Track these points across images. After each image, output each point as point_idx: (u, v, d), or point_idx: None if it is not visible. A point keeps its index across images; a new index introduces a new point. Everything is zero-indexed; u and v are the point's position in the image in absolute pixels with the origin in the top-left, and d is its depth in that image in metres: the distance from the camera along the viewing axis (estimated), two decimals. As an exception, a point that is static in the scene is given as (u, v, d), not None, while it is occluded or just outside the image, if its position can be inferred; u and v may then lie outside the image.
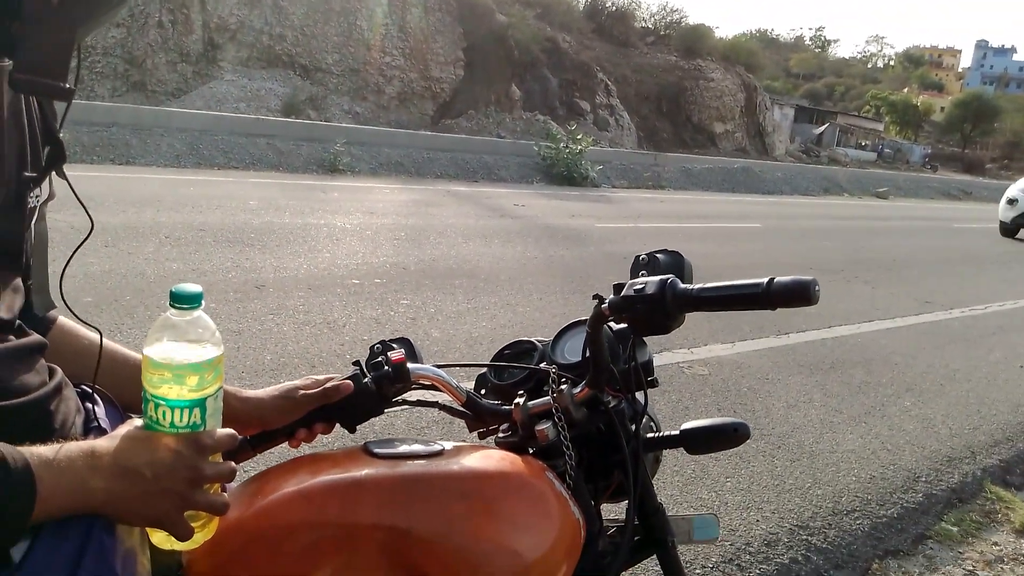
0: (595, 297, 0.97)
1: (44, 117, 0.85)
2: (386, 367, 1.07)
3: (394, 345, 1.13)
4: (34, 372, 0.80)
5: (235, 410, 0.97)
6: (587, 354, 1.04)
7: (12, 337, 0.78)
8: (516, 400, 1.07)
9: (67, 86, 0.62)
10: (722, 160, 22.04)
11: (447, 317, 4.75)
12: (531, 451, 1.08)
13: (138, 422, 0.75)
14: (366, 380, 1.06)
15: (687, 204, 14.36)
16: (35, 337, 0.83)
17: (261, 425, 1.02)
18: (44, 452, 0.68)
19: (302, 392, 1.03)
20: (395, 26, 19.17)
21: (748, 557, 2.44)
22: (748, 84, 28.92)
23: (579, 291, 5.79)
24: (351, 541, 0.85)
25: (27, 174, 0.79)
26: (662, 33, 29.49)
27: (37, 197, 0.85)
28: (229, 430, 0.77)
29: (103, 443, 0.72)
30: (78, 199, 0.82)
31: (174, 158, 10.95)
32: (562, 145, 15.63)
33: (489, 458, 0.99)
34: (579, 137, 16.02)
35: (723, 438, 1.08)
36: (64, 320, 0.95)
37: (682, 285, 0.91)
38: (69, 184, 0.80)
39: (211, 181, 9.44)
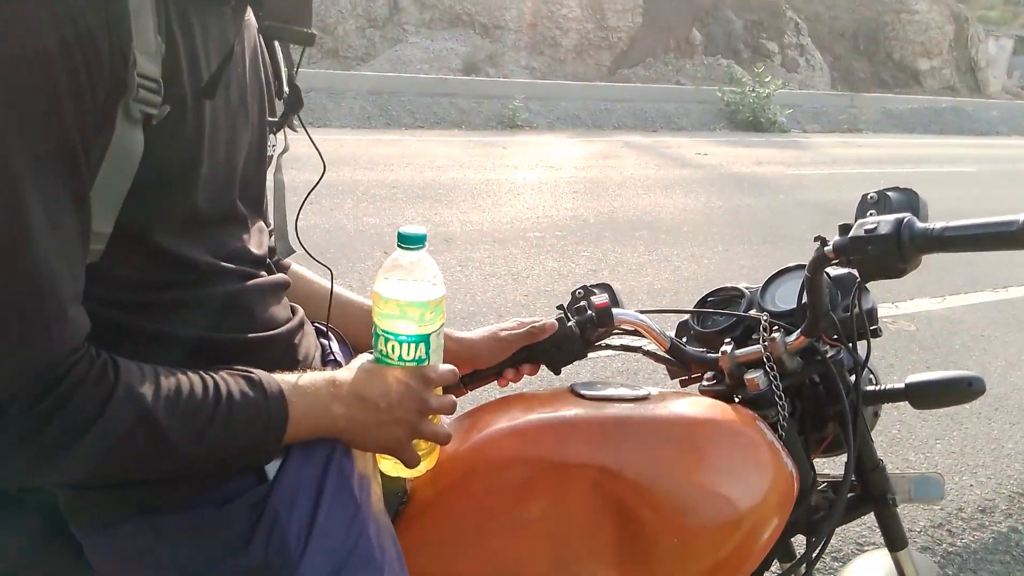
0: (817, 239, 0.91)
1: (276, 66, 0.91)
2: (589, 311, 1.08)
3: (596, 290, 1.14)
4: (281, 307, 0.87)
5: (449, 350, 1.01)
6: (803, 300, 0.98)
7: (263, 273, 0.84)
8: (723, 348, 1.04)
9: (309, 31, 0.64)
10: (928, 99, 20.02)
11: (628, 269, 4.71)
12: (736, 400, 1.05)
13: (370, 356, 0.80)
14: (570, 324, 1.07)
15: (888, 148, 13.22)
16: (281, 275, 0.89)
17: (472, 365, 1.06)
18: (293, 380, 0.74)
19: (509, 332, 1.06)
20: (571, -24, 18.93)
21: (960, 523, 2.27)
22: (958, 14, 25.94)
23: (768, 241, 5.53)
24: (563, 478, 0.87)
25: (269, 119, 0.83)
26: (859, -38, 27.05)
27: (273, 147, 0.91)
28: (450, 366, 0.81)
29: (342, 374, 0.77)
30: (312, 142, 0.87)
31: (365, 119, 11.54)
32: (748, 89, 14.85)
33: (697, 404, 0.97)
34: (767, 80, 15.14)
35: (955, 393, 0.99)
36: (295, 266, 1.03)
37: (920, 224, 0.83)
38: (305, 129, 0.85)
39: (400, 140, 9.87)
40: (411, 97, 12.61)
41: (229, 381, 0.70)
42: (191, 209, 0.73)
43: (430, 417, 0.79)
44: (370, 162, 7.84)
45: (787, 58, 21.20)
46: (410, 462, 0.79)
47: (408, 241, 0.75)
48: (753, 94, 14.75)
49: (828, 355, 1.00)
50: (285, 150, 0.99)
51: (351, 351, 0.98)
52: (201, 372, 0.71)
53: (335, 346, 0.97)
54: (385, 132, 10.90)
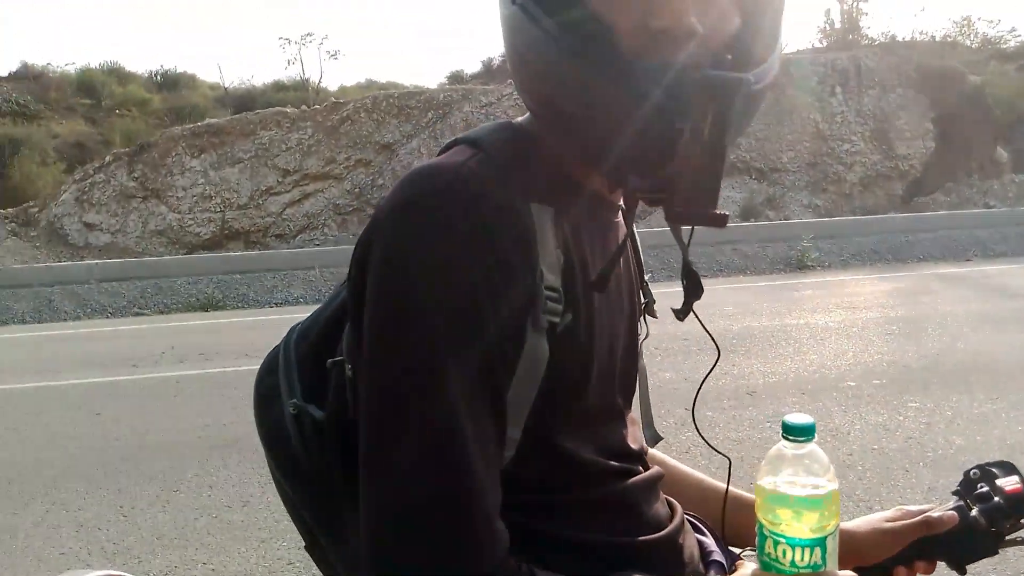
0: None
1: (637, 252, 0.92)
2: (996, 498, 0.92)
3: (996, 470, 0.97)
4: (660, 504, 0.84)
5: None
6: None
7: (641, 469, 0.83)
8: None
9: (721, 213, 0.64)
10: None
11: (969, 421, 4.12)
12: None
13: (752, 556, 0.73)
14: (972, 513, 0.92)
15: None
16: (656, 469, 0.86)
17: (856, 560, 0.93)
18: None
19: (899, 524, 0.93)
20: (851, 112, 18.36)
21: None
22: None
23: None
24: None
25: (673, 308, 0.84)
26: None
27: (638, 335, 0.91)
28: (850, 573, 0.71)
29: None
30: (703, 326, 0.86)
31: (646, 272, 11.76)
32: (1078, 205, 12.98)
33: None
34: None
35: None
36: (652, 450, 1.00)
37: None
38: (695, 314, 0.83)
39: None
40: (692, 247, 12.66)
41: None
42: (583, 409, 0.74)
43: None
44: (657, 313, 7.88)
45: (1125, 165, 18.36)
46: None
47: (796, 432, 0.69)
48: (1087, 209, 12.84)
49: None
50: (646, 336, 1.00)
51: (722, 546, 0.92)
52: None
53: (710, 542, 0.91)
54: (668, 285, 10.97)
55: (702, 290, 0.78)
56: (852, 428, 4.06)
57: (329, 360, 0.76)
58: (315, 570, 3.03)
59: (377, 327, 0.64)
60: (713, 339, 0.84)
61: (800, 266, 11.88)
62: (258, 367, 0.86)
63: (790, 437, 0.70)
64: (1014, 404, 4.32)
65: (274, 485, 0.86)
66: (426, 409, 0.61)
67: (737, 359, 5.77)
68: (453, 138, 0.75)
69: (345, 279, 0.74)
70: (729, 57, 0.64)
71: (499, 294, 0.63)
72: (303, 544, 0.86)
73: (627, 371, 0.86)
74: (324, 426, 0.75)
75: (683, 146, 0.62)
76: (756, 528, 0.71)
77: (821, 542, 0.68)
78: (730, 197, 17.01)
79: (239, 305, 11.11)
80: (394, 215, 0.65)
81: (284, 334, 0.85)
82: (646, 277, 0.99)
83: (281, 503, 0.86)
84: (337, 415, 0.74)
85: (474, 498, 0.61)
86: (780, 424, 0.69)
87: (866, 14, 22.15)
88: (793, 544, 0.68)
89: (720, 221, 0.65)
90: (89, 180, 15.87)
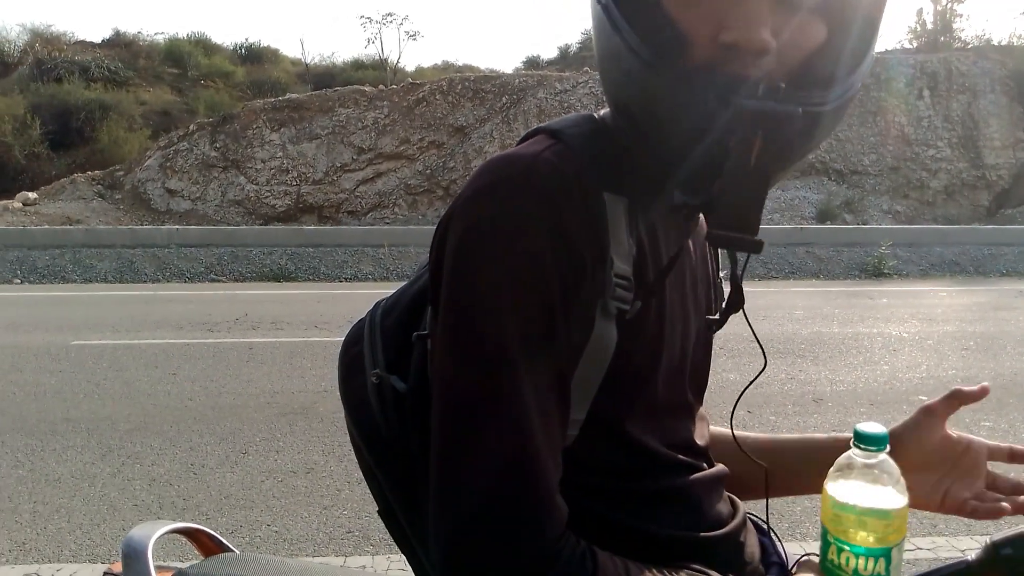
0: None
1: (715, 264, 0.93)
2: None
3: None
4: (723, 502, 0.84)
5: None
6: None
7: (705, 465, 0.84)
8: None
9: (757, 239, 0.64)
10: None
11: (1049, 445, 3.95)
12: None
13: (815, 561, 0.73)
14: None
15: None
16: (720, 467, 0.86)
17: (911, 467, 0.92)
18: None
19: (930, 401, 0.91)
20: (939, 116, 17.66)
21: None
22: None
23: None
24: None
25: (708, 317, 0.86)
26: None
27: None
28: None
29: None
30: (754, 334, 0.86)
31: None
32: None
33: None
34: None
35: None
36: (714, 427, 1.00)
37: None
38: (748, 322, 0.85)
39: (755, 292, 9.69)
40: (766, 247, 12.43)
41: None
42: (651, 398, 0.75)
43: None
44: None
45: None
46: None
47: (868, 442, 0.68)
48: None
49: None
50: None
51: (783, 547, 0.92)
52: (665, 570, 0.70)
53: (771, 543, 0.91)
54: (747, 284, 10.78)
55: (743, 303, 0.78)
56: (922, 443, 3.94)
57: (415, 334, 0.79)
58: (372, 539, 3.10)
59: (449, 309, 0.66)
60: (762, 348, 0.84)
61: (876, 273, 11.54)
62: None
63: (862, 446, 0.69)
64: (1098, 431, 4.14)
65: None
66: (493, 388, 0.63)
67: (805, 364, 5.65)
68: (535, 127, 0.77)
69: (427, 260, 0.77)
70: (783, 85, 0.61)
71: (569, 280, 0.65)
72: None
73: (700, 367, 0.88)
74: (405, 397, 0.78)
75: (728, 169, 0.62)
76: (820, 533, 0.72)
77: (886, 552, 0.68)
78: (807, 198, 16.59)
79: (309, 278, 11.39)
80: (470, 201, 0.67)
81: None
82: (721, 275, 0.99)
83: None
84: (418, 387, 0.76)
85: (537, 472, 0.63)
86: (845, 430, 0.69)
87: (961, 16, 21.23)
88: (857, 552, 0.68)
89: (756, 248, 0.65)
90: (173, 148, 16.42)
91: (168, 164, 16.28)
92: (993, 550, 0.82)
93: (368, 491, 0.88)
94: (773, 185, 0.68)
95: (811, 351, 6.08)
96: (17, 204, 15.25)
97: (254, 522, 3.05)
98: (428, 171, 16.37)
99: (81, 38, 25.84)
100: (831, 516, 0.70)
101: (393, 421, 0.79)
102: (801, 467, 0.91)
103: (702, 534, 0.77)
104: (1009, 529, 0.83)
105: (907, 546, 1.23)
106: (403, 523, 0.83)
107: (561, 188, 0.66)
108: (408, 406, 0.78)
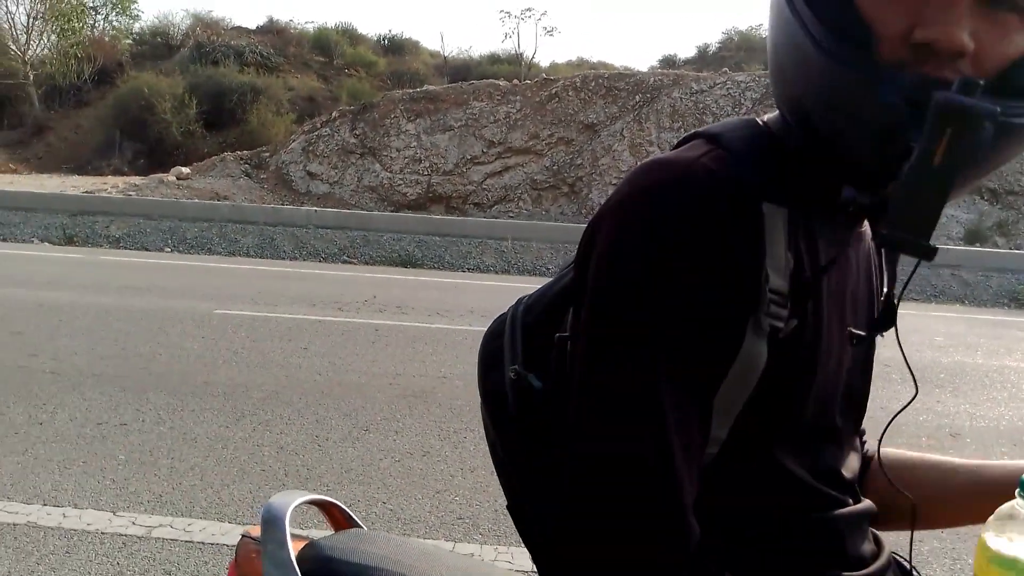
0: None
1: (877, 274, 0.84)
2: None
3: None
4: (868, 542, 0.80)
5: None
6: None
7: (851, 501, 0.79)
8: None
9: (930, 244, 0.59)
10: None
11: None
12: None
13: None
14: None
15: None
16: (868, 503, 0.82)
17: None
18: None
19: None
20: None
21: None
22: None
23: None
24: None
25: (856, 331, 0.77)
26: None
27: None
28: None
29: None
30: (905, 362, 0.80)
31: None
32: None
33: None
34: None
35: None
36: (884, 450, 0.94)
37: None
38: (900, 345, 0.75)
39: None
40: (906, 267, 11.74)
41: None
42: (798, 422, 0.71)
43: None
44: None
45: None
46: None
47: None
48: None
49: None
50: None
51: None
52: None
53: None
54: (903, 305, 10.24)
55: (894, 323, 0.72)
56: (1073, 493, 3.63)
57: (557, 335, 0.78)
58: (482, 528, 3.15)
59: (593, 311, 0.65)
60: (913, 376, 0.77)
61: (1028, 303, 10.69)
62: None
63: None
64: None
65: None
66: (633, 394, 0.62)
67: (943, 396, 5.31)
68: (692, 131, 0.74)
69: (572, 261, 0.76)
70: (982, 82, 0.55)
71: (718, 293, 0.63)
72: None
73: (855, 390, 0.82)
74: (541, 395, 0.78)
75: (909, 167, 0.56)
76: None
77: None
78: (955, 216, 15.55)
79: (435, 265, 11.68)
80: (621, 205, 0.66)
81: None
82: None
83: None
84: (556, 388, 0.76)
85: (672, 489, 0.62)
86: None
87: None
88: None
89: (928, 253, 0.59)
90: (316, 133, 17.22)
91: (310, 148, 17.08)
92: None
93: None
94: (953, 197, 0.61)
95: (951, 382, 5.70)
96: (172, 178, 16.43)
97: (371, 498, 3.16)
98: (555, 167, 16.42)
99: (238, 24, 27.52)
100: (986, 570, 0.66)
101: (528, 417, 0.79)
102: (963, 500, 0.85)
103: (843, 573, 0.74)
104: None
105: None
106: (530, 519, 0.83)
107: (716, 196, 0.64)
108: (544, 404, 0.78)
